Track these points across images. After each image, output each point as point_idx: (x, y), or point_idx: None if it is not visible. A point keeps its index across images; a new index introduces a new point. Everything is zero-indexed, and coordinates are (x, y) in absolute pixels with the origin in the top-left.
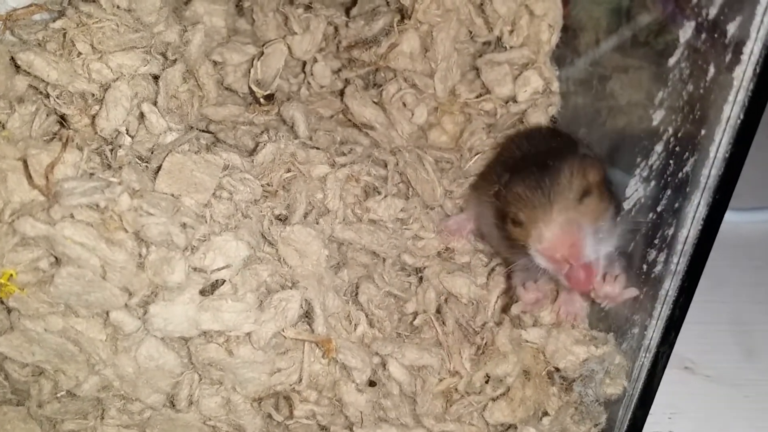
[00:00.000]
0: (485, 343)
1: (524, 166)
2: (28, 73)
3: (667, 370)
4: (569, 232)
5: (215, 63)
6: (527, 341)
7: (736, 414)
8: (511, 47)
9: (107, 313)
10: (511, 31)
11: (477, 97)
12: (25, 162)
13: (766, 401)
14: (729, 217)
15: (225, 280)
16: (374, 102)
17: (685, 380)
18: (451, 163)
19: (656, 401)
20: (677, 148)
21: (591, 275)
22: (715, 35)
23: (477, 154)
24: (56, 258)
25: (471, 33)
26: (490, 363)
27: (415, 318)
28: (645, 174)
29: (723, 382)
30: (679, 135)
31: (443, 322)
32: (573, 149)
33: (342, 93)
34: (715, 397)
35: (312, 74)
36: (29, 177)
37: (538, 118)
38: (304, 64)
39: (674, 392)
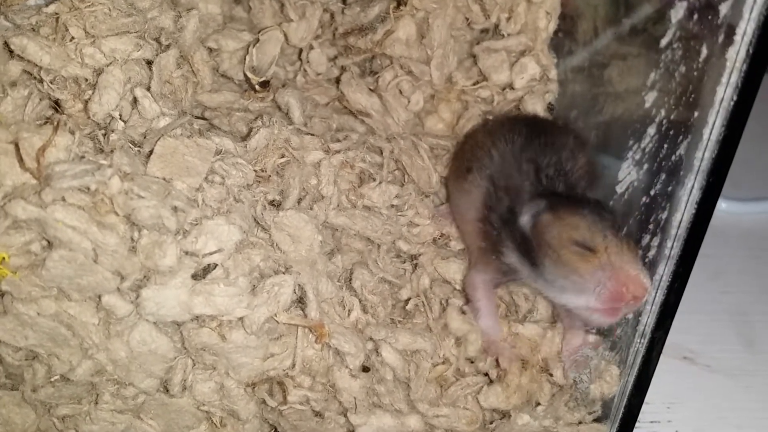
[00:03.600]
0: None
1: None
2: (22, 57)
3: (666, 360)
4: (645, 273)
5: (210, 50)
6: (522, 334)
7: (736, 404)
8: (508, 34)
9: (99, 297)
10: (509, 18)
11: (474, 84)
12: (17, 145)
13: (765, 391)
14: (730, 207)
15: (217, 265)
16: (370, 89)
17: (685, 370)
18: (447, 150)
19: (655, 391)
20: (670, 131)
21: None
22: (708, 15)
23: None
24: (48, 241)
25: (468, 20)
26: (462, 347)
27: (407, 304)
28: (638, 157)
29: (723, 373)
30: (672, 117)
31: (430, 307)
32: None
33: (338, 80)
34: (714, 387)
35: (308, 61)
36: (21, 160)
37: (535, 104)
38: (301, 51)
39: (673, 382)
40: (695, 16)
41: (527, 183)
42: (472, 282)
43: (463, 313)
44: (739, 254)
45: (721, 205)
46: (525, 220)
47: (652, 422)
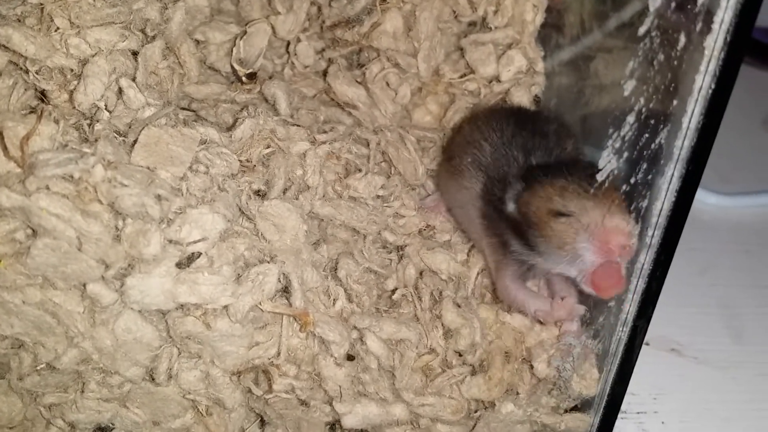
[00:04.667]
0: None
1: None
2: (7, 48)
3: (654, 352)
4: (629, 221)
5: (197, 41)
6: (509, 324)
7: (723, 396)
8: (495, 27)
9: (84, 286)
10: (496, 11)
11: (461, 76)
12: (1, 134)
13: (752, 384)
14: (719, 201)
15: (201, 253)
16: (357, 82)
17: (672, 362)
18: (434, 142)
19: (642, 382)
20: (650, 120)
21: (621, 276)
22: (686, 3)
23: None
24: (32, 229)
25: (455, 13)
26: (452, 340)
27: (394, 294)
28: (617, 145)
29: (710, 365)
30: (651, 106)
31: (420, 298)
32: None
33: (325, 73)
34: (701, 379)
35: (295, 54)
36: (5, 149)
37: (521, 97)
38: (288, 44)
39: (661, 374)
40: (673, 4)
41: (513, 170)
42: (502, 287)
43: (458, 306)
44: (728, 248)
45: (710, 199)
46: (510, 207)
47: (638, 413)
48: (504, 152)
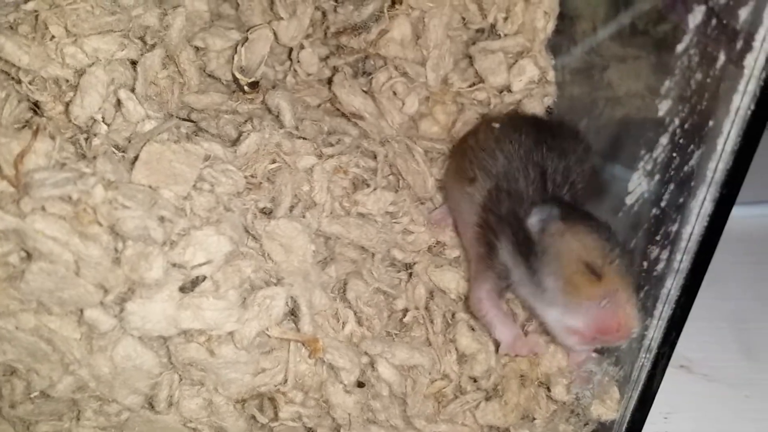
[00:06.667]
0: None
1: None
2: None
3: None
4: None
5: (197, 49)
6: None
7: (735, 414)
8: (505, 35)
9: (81, 311)
10: (506, 18)
11: (470, 86)
12: None
13: (765, 401)
14: None
15: (206, 277)
16: (363, 91)
17: (682, 379)
18: (442, 153)
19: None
20: (683, 141)
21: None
22: (726, 21)
23: None
24: (27, 253)
25: (464, 19)
26: (466, 365)
27: (404, 315)
28: (649, 167)
29: (721, 381)
30: (686, 127)
31: (432, 321)
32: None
33: (330, 81)
34: (712, 396)
35: (299, 61)
36: None
37: (534, 108)
38: (291, 50)
39: (671, 391)
40: (713, 21)
41: (532, 186)
42: (476, 298)
43: (473, 329)
44: (738, 260)
45: None
46: (533, 222)
47: None
48: (519, 165)
